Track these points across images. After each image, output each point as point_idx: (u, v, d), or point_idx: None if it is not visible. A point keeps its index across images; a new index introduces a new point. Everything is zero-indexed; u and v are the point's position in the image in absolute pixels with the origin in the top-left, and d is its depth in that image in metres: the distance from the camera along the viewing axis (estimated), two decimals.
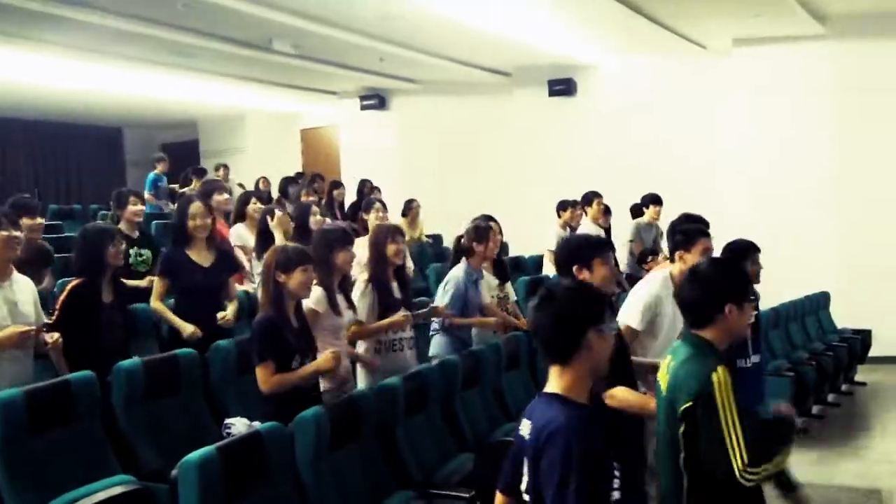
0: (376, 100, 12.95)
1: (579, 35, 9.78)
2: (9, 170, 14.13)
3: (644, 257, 7.64)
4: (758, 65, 9.69)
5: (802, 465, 5.98)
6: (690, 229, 3.86)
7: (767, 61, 9.65)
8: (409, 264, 6.30)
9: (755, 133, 9.76)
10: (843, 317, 8.90)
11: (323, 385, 3.90)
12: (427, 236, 9.43)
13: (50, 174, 14.71)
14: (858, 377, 8.44)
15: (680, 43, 9.71)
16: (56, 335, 3.90)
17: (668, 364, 2.62)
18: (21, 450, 3.35)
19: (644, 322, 3.73)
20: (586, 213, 7.91)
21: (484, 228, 5.04)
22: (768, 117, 9.70)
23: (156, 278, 4.79)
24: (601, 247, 3.38)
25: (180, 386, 4.13)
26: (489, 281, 5.32)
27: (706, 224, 4.24)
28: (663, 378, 2.61)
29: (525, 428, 2.22)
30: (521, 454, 2.22)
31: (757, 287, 5.15)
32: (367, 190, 9.62)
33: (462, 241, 5.15)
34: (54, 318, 4.16)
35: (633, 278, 6.99)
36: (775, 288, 8.44)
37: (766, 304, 7.89)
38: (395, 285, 4.44)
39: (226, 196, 6.03)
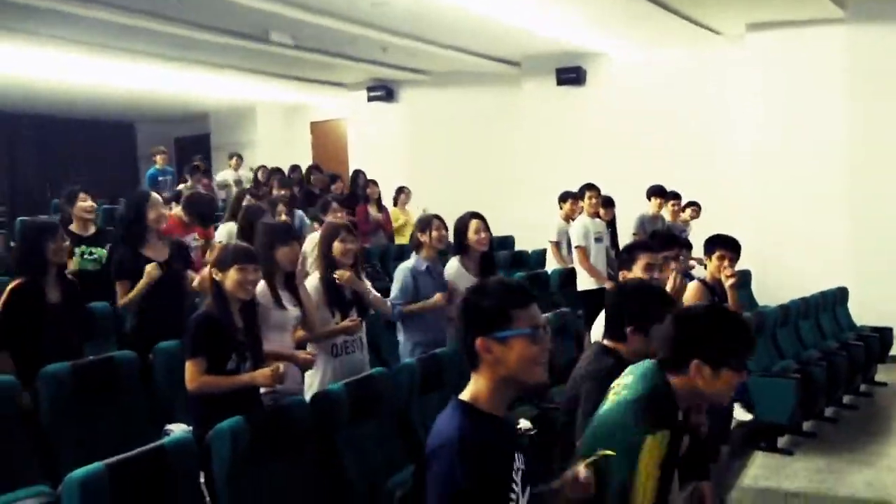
0: (383, 91, 12.70)
1: (588, 23, 9.40)
2: (19, 165, 14.17)
3: None
4: (772, 50, 9.19)
5: (809, 472, 5.69)
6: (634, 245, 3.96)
7: (782, 46, 9.14)
8: None
9: (769, 120, 9.26)
10: (863, 314, 8.37)
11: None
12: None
13: (59, 169, 14.69)
14: (878, 377, 7.94)
15: (692, 29, 9.28)
16: None
17: None
18: None
19: None
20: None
21: (426, 219, 5.08)
22: (782, 104, 9.18)
23: (116, 283, 4.59)
24: None
25: (118, 390, 3.92)
26: (468, 278, 5.05)
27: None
28: None
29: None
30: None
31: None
32: (361, 182, 9.37)
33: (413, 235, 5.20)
34: None
35: None
36: (791, 283, 8.15)
37: (781, 300, 7.52)
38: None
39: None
